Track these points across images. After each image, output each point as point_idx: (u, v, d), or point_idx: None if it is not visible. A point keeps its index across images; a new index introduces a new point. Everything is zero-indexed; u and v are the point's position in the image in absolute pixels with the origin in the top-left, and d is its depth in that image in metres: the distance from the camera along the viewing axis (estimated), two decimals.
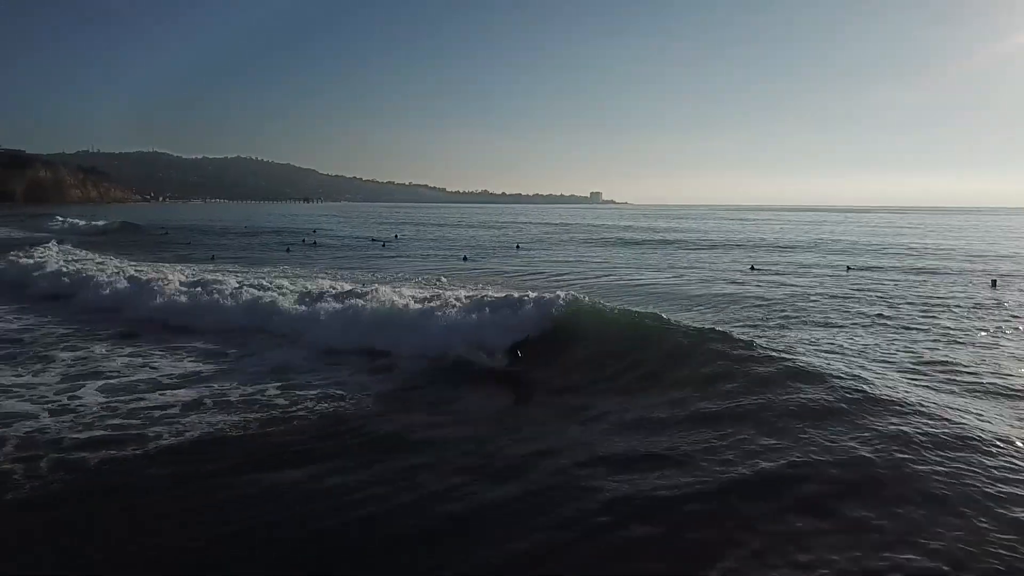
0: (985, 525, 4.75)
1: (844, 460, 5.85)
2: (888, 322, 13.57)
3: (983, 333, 12.39)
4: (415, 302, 13.00)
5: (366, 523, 5.34)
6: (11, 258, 24.55)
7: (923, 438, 6.20)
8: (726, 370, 8.61)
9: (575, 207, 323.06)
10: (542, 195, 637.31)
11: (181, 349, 11.70)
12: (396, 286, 16.19)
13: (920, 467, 5.66)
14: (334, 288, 15.55)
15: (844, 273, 24.07)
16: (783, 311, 15.04)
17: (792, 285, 20.25)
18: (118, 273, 19.37)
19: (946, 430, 6.39)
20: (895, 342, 11.53)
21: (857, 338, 11.88)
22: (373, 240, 45.00)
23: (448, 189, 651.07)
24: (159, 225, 62.46)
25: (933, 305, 15.94)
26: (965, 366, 9.67)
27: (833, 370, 8.53)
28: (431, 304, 12.68)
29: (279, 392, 9.01)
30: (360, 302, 13.43)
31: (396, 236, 49.39)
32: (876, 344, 11.33)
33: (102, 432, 7.39)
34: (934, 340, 11.73)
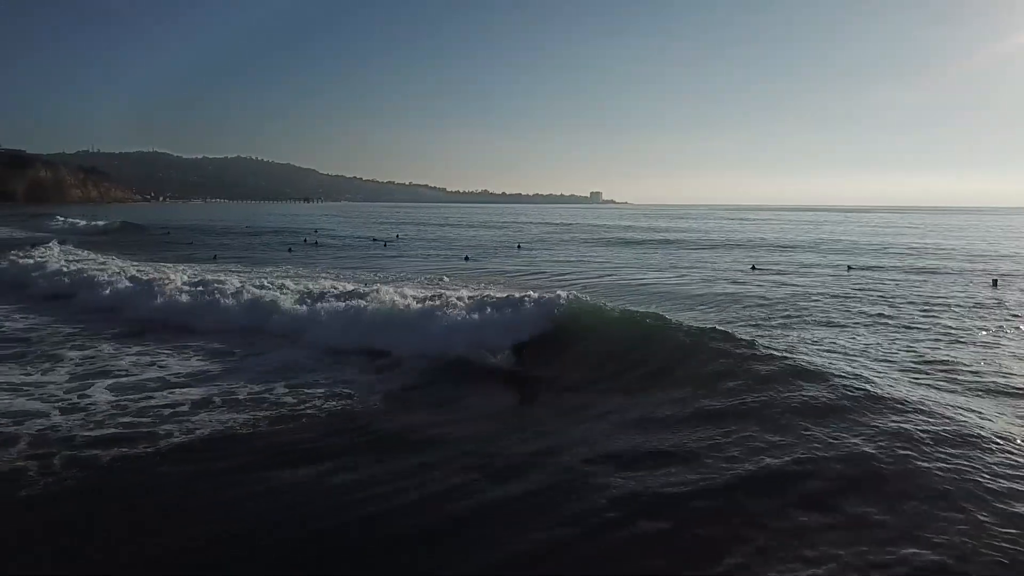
0: (987, 520, 4.82)
1: (847, 457, 5.93)
2: (889, 321, 13.64)
3: (984, 332, 12.46)
4: (418, 302, 13.05)
5: (374, 521, 5.37)
6: (12, 257, 24.63)
7: (925, 435, 6.27)
8: (729, 369, 8.67)
9: (575, 207, 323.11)
10: (542, 195, 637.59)
11: (188, 348, 11.78)
12: (398, 286, 16.27)
13: (922, 463, 5.72)
14: (337, 288, 15.62)
15: (845, 273, 24.13)
16: (785, 311, 15.11)
17: (793, 285, 20.31)
18: (120, 273, 19.42)
19: (947, 427, 6.47)
20: (896, 341, 11.61)
21: (859, 337, 11.95)
22: (374, 240, 45.04)
23: (448, 189, 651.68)
24: (160, 225, 62.53)
25: (934, 305, 16.00)
26: (966, 365, 9.74)
27: (835, 369, 8.61)
28: (434, 304, 12.75)
29: (287, 391, 9.09)
30: (363, 302, 13.50)
31: (397, 236, 49.47)
32: (877, 343, 11.41)
33: (113, 430, 7.45)
34: (935, 339, 11.80)
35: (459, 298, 12.90)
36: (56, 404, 8.38)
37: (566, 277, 23.30)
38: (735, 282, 21.25)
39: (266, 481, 6.16)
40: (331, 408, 8.42)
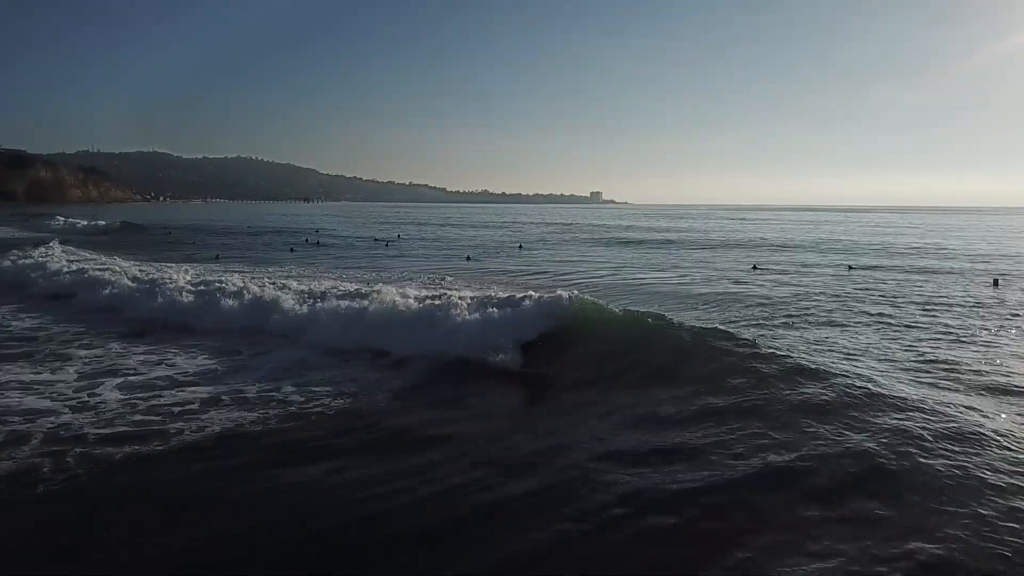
0: (989, 515, 4.90)
1: (850, 453, 6.01)
2: (891, 321, 13.71)
3: (985, 332, 12.53)
4: (420, 302, 13.11)
5: (375, 521, 5.38)
6: (12, 257, 24.66)
7: (927, 433, 6.35)
8: (732, 367, 8.75)
9: (575, 207, 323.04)
10: (542, 195, 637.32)
11: (194, 347, 11.84)
12: (401, 286, 16.34)
13: (924, 460, 5.81)
14: (340, 288, 15.67)
15: (846, 272, 24.21)
16: (786, 310, 15.18)
17: (794, 284, 20.37)
18: (121, 273, 19.47)
19: (949, 425, 6.55)
20: (898, 340, 11.68)
21: (860, 337, 12.03)
22: (376, 240, 45.12)
23: (448, 189, 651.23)
24: (161, 225, 62.62)
25: (935, 304, 16.07)
26: (968, 364, 9.81)
27: (837, 368, 8.69)
28: (437, 303, 12.80)
29: (295, 389, 9.16)
30: (366, 302, 13.53)
31: (399, 236, 49.54)
32: (879, 342, 11.48)
33: (124, 428, 7.52)
34: (936, 338, 11.87)
35: (461, 298, 12.96)
36: (66, 402, 8.45)
37: (568, 277, 23.37)
38: (736, 282, 21.31)
39: (275, 479, 6.20)
40: (338, 406, 8.49)
